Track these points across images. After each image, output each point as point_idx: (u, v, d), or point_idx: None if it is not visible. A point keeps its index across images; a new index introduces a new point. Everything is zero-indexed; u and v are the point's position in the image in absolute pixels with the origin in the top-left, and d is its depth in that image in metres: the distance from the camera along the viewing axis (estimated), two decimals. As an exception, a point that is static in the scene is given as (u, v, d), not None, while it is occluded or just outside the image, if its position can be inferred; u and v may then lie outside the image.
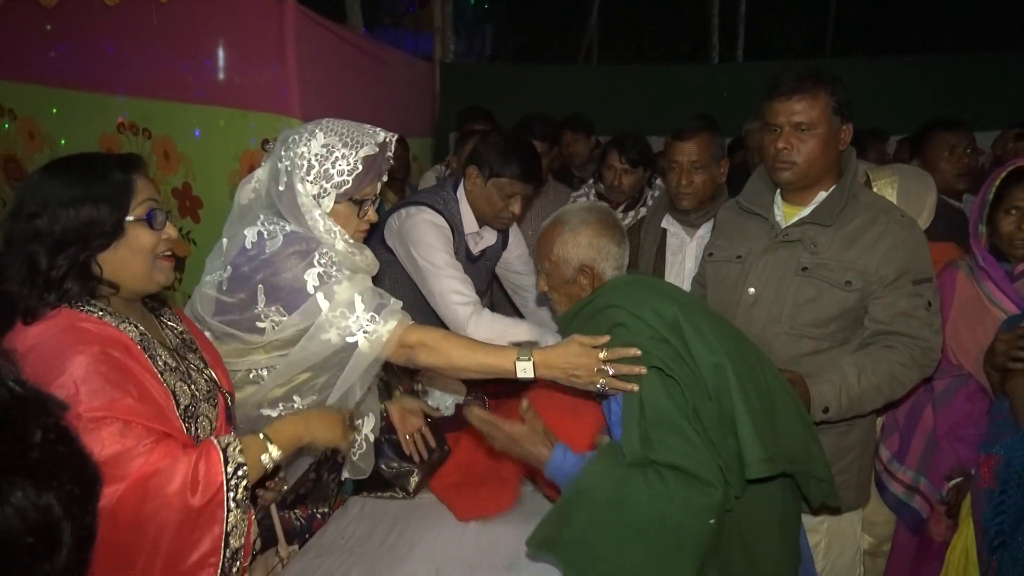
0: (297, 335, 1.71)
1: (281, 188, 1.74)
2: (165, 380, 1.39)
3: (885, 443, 2.36)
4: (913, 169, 2.65)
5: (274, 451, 1.44)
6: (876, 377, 1.93)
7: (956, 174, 2.86)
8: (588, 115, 4.65)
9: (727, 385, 1.54)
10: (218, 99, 3.69)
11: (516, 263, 2.81)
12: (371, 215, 1.83)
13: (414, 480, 2.15)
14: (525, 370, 1.68)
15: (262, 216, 1.76)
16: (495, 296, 3.18)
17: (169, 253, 1.48)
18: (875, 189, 2.42)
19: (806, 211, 2.04)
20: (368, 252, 1.87)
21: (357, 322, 1.69)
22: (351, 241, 1.78)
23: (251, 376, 1.79)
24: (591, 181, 3.58)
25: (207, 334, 1.73)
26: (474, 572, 1.76)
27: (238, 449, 1.37)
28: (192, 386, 1.46)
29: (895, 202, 2.33)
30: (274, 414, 1.80)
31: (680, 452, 1.49)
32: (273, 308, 1.70)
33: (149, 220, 1.40)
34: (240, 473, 1.35)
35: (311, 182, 1.72)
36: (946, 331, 2.15)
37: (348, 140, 1.73)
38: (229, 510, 1.32)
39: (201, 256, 2.54)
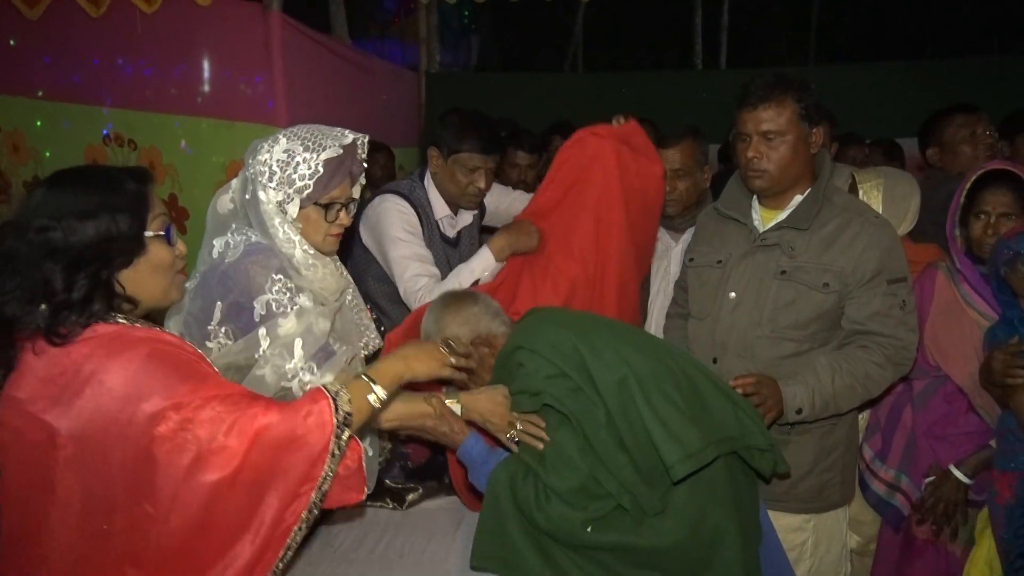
0: (237, 364, 1.67)
1: (247, 196, 1.73)
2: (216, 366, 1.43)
3: (868, 443, 2.39)
4: (898, 172, 2.66)
5: (379, 391, 1.47)
6: (850, 377, 1.95)
7: (980, 156, 2.74)
8: (574, 123, 4.67)
9: (632, 399, 1.59)
10: (204, 110, 3.69)
11: (505, 208, 2.85)
12: (343, 219, 1.79)
13: (411, 497, 2.14)
14: (454, 407, 1.80)
15: (234, 225, 1.76)
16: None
17: (183, 267, 1.47)
18: (860, 193, 2.44)
19: (783, 215, 2.08)
20: (330, 265, 1.82)
21: (293, 368, 1.66)
22: (311, 252, 1.74)
23: None
24: None
25: None
26: (463, 579, 1.77)
27: (347, 399, 1.39)
28: None
29: (880, 205, 2.36)
30: None
31: (565, 479, 1.61)
32: (223, 329, 1.67)
33: (167, 236, 1.38)
34: (347, 422, 1.38)
35: (274, 189, 1.70)
36: (925, 333, 2.18)
37: (310, 144, 1.70)
38: (333, 455, 1.34)
39: (187, 268, 2.54)
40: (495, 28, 15.51)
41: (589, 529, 1.59)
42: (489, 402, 1.80)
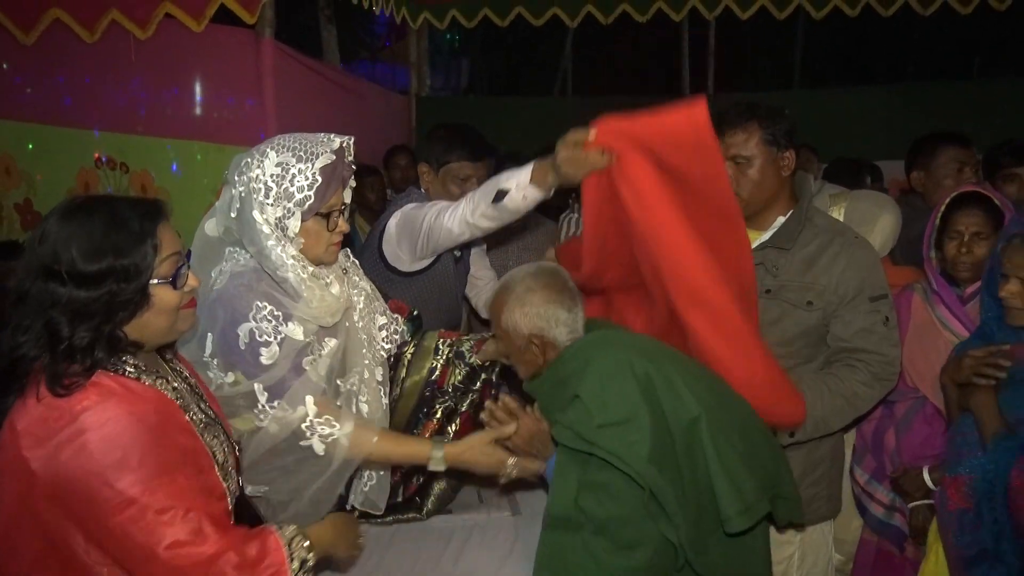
0: (235, 403, 1.66)
1: (233, 215, 1.68)
2: (204, 438, 1.36)
3: (861, 465, 2.40)
4: (869, 195, 2.69)
5: (311, 557, 1.39)
6: (839, 398, 1.99)
7: None
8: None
9: (699, 440, 1.53)
10: (196, 134, 3.73)
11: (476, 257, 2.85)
12: (341, 226, 1.75)
13: (430, 505, 2.13)
14: (437, 463, 1.76)
15: (227, 251, 1.75)
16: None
17: (192, 298, 1.41)
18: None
19: (766, 236, 2.12)
20: (333, 287, 1.77)
21: (310, 424, 1.64)
22: (306, 274, 1.68)
23: None
24: (573, 195, 3.74)
25: None
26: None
27: (303, 545, 1.35)
28: (220, 440, 1.43)
29: None
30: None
31: (612, 510, 1.51)
32: (215, 361, 1.65)
33: (174, 281, 1.32)
34: (303, 569, 1.33)
35: (271, 205, 1.64)
36: (902, 354, 2.20)
37: (302, 154, 1.65)
38: None
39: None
40: (484, 52, 15.67)
41: None
42: (472, 452, 1.77)
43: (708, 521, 1.53)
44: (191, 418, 1.36)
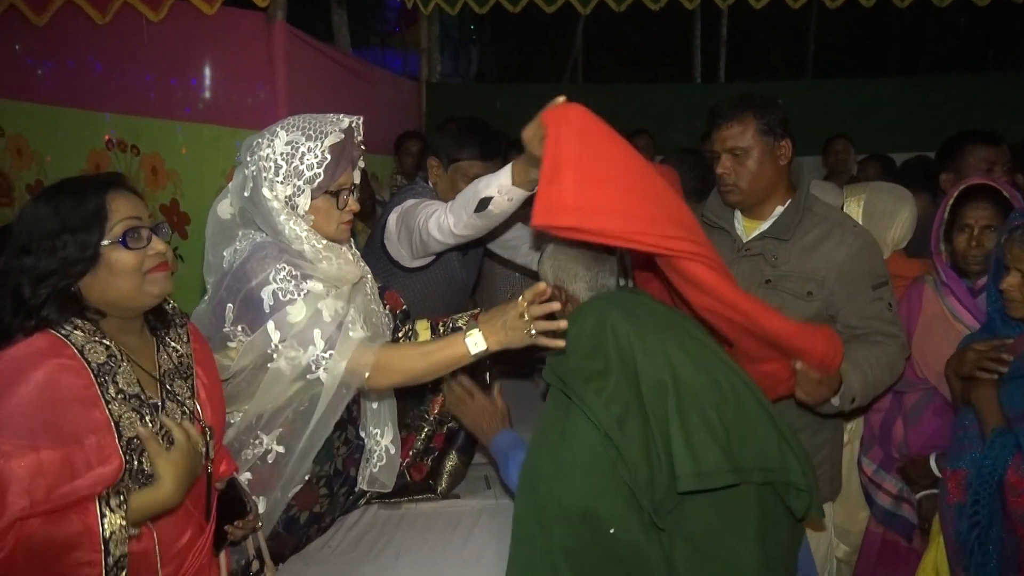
0: (257, 363, 1.70)
1: (247, 194, 1.72)
2: (110, 409, 1.36)
3: (868, 456, 2.41)
4: (888, 187, 2.67)
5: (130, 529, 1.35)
6: (879, 368, 2.01)
7: None
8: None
9: (665, 403, 1.55)
10: (206, 117, 3.72)
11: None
12: (352, 204, 1.79)
13: (443, 486, 2.15)
14: (477, 344, 1.71)
15: (240, 232, 1.78)
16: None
17: (161, 262, 1.43)
18: (845, 207, 2.47)
19: (765, 225, 2.13)
20: (345, 254, 1.82)
21: (316, 358, 1.67)
22: (321, 244, 1.74)
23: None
24: None
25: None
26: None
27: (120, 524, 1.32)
28: (148, 418, 1.41)
29: (860, 219, 2.40)
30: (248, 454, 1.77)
31: (580, 476, 1.56)
32: (239, 327, 1.69)
33: (124, 242, 1.37)
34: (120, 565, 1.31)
35: (281, 183, 1.69)
36: (913, 345, 2.21)
37: (311, 132, 1.70)
38: None
39: (188, 272, 2.55)
40: (495, 38, 15.61)
41: (613, 530, 1.52)
42: (504, 316, 1.71)
43: (671, 485, 1.54)
44: (102, 383, 1.36)
